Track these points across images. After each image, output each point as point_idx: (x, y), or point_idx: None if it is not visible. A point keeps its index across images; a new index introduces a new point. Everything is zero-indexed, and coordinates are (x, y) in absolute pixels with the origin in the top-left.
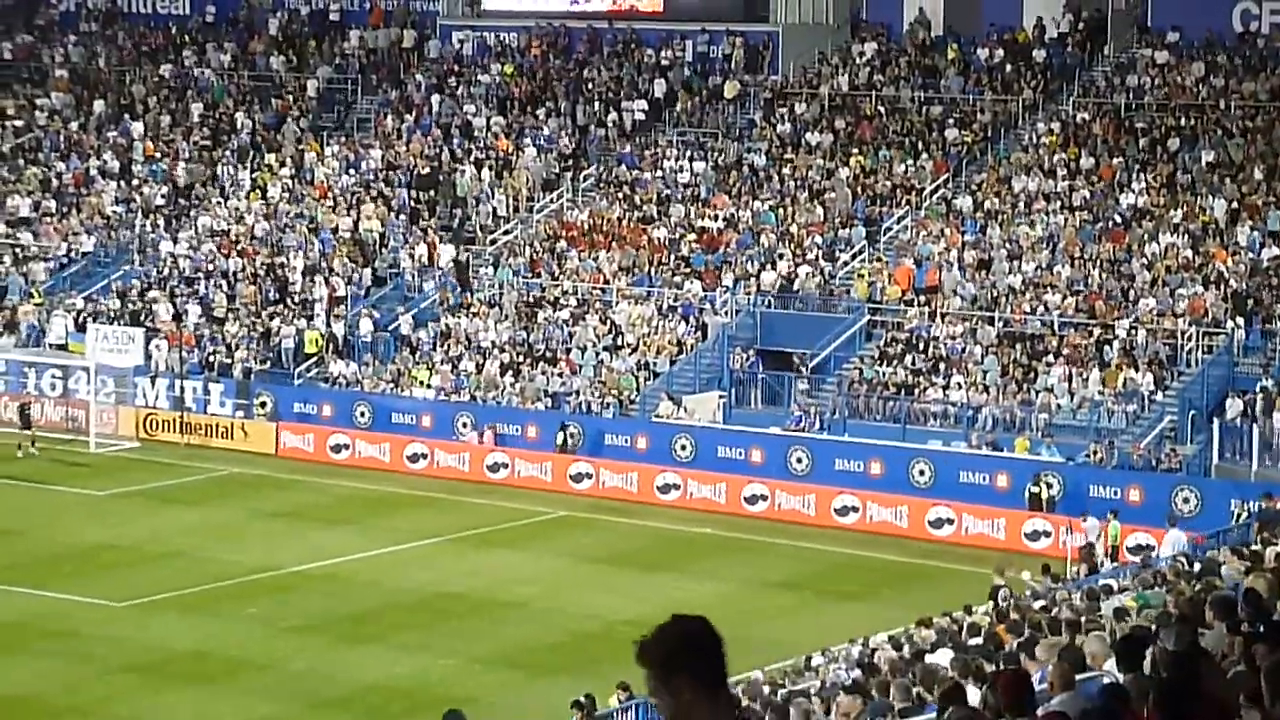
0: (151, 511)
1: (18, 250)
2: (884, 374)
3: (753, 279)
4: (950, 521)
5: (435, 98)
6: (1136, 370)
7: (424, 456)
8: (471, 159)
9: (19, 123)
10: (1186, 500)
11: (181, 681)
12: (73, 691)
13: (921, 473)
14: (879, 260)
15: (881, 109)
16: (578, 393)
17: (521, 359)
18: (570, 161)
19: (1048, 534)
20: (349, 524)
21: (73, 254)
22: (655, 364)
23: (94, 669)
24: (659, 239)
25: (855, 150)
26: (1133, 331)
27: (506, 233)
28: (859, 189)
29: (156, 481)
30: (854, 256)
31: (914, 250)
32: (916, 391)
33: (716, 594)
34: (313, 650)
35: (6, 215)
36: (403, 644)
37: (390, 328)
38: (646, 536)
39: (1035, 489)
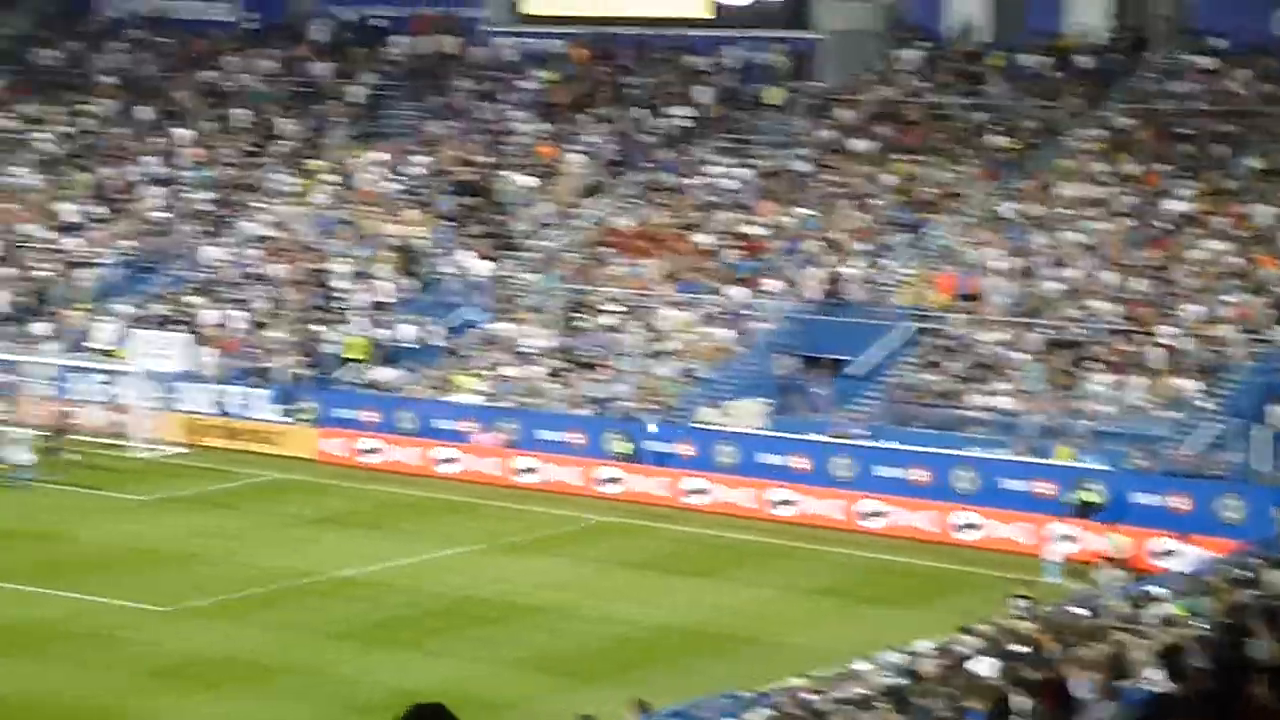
0: (193, 516)
1: (65, 255)
2: (927, 381)
3: (796, 285)
4: (988, 528)
5: (479, 104)
6: (1181, 377)
7: (462, 462)
8: (515, 165)
9: (67, 129)
10: (1231, 508)
11: (219, 686)
12: (110, 694)
13: (962, 479)
14: (922, 267)
15: (926, 115)
16: (619, 399)
17: (564, 365)
18: (614, 168)
19: (1085, 541)
20: (388, 529)
21: (118, 259)
22: (698, 370)
23: (133, 672)
24: (702, 245)
25: (899, 156)
26: (1178, 338)
27: (550, 239)
28: (903, 195)
29: (199, 486)
30: (897, 263)
31: (958, 257)
32: (959, 398)
33: (754, 600)
34: (350, 655)
35: (55, 221)
36: (438, 649)
37: (433, 333)
38: (683, 542)
39: (1078, 496)
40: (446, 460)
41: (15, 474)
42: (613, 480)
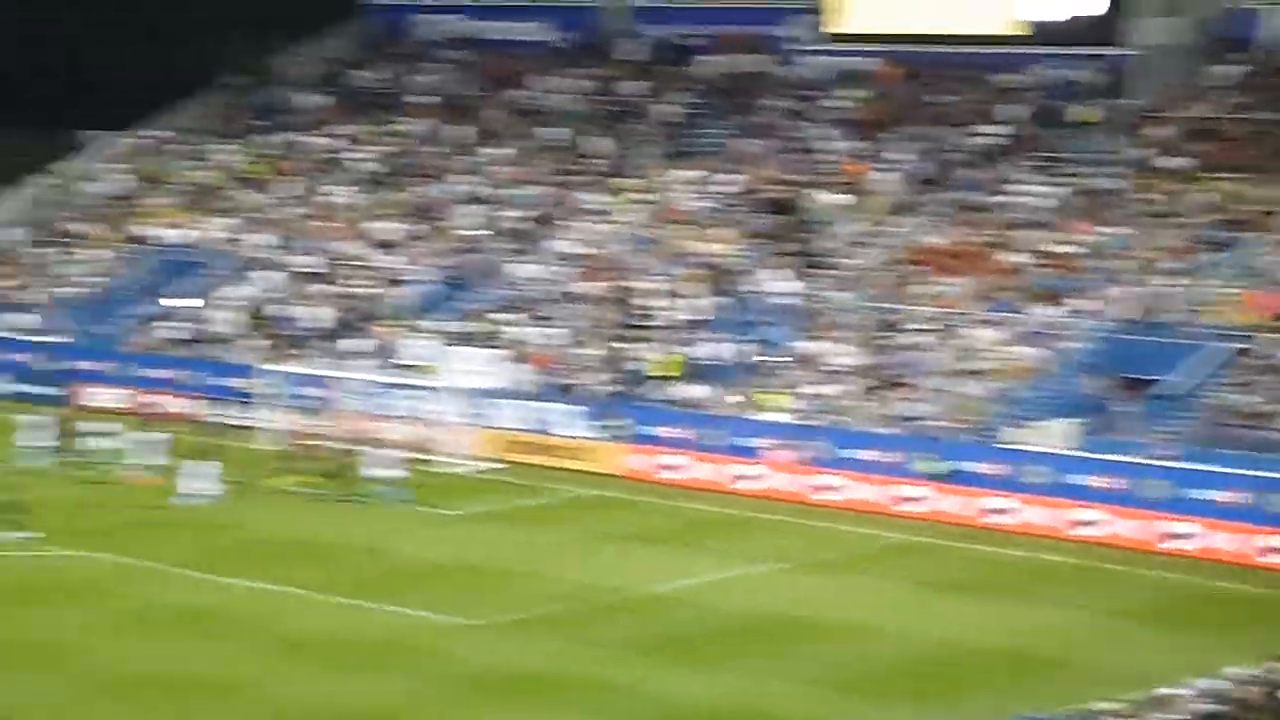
0: (504, 531)
1: (382, 273)
2: (1241, 402)
3: (1106, 304)
4: None
5: (788, 123)
6: None
7: (764, 479)
8: (824, 184)
9: (384, 149)
10: None
11: (532, 700)
12: (425, 709)
13: (1276, 503)
14: (1236, 286)
15: (1241, 132)
16: (927, 418)
17: (872, 384)
18: (923, 186)
19: None
20: (692, 546)
21: (433, 277)
22: (1006, 389)
23: (447, 687)
24: (1012, 263)
25: (1213, 174)
26: None
27: (858, 257)
28: (1216, 213)
29: (510, 502)
30: (1210, 282)
31: (1273, 275)
32: (1275, 420)
33: (1059, 621)
34: (656, 672)
35: (372, 239)
36: (740, 667)
37: (740, 351)
38: (987, 563)
39: None
40: (749, 477)
41: (388, 491)
42: (916, 499)
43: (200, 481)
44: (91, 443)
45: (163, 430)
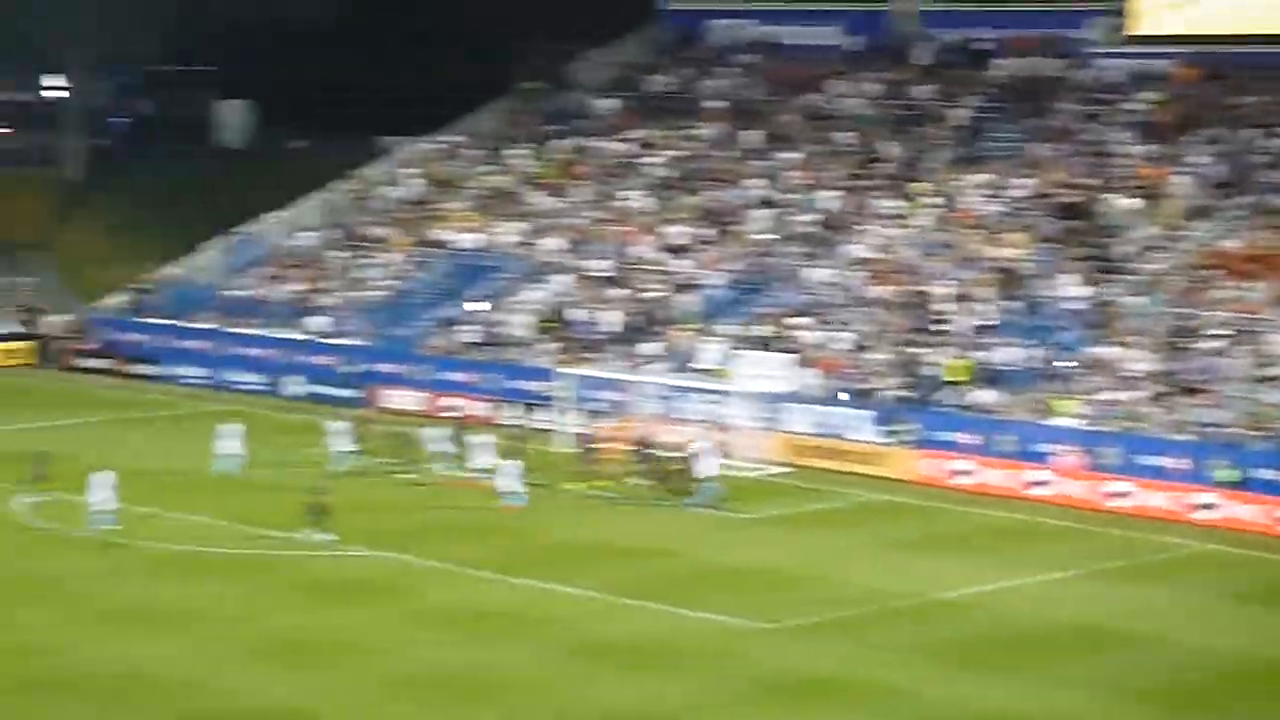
0: (795, 535)
1: (673, 277)
2: None
3: None
4: None
5: (1082, 126)
6: None
7: (1054, 485)
8: (1118, 188)
9: (676, 153)
10: None
11: (819, 705)
12: (715, 711)
13: None
14: None
15: None
16: (1223, 425)
17: (1167, 390)
18: (1221, 189)
19: None
20: (985, 552)
21: (724, 281)
22: None
23: (737, 689)
24: None
25: None
26: None
27: (1153, 262)
28: None
29: (802, 506)
30: None
31: None
32: None
33: None
34: (942, 678)
35: (664, 243)
36: (1029, 675)
37: (1033, 356)
38: None
39: None
40: (1039, 483)
41: (711, 490)
42: (1209, 506)
43: (514, 483)
44: (431, 446)
45: (471, 433)
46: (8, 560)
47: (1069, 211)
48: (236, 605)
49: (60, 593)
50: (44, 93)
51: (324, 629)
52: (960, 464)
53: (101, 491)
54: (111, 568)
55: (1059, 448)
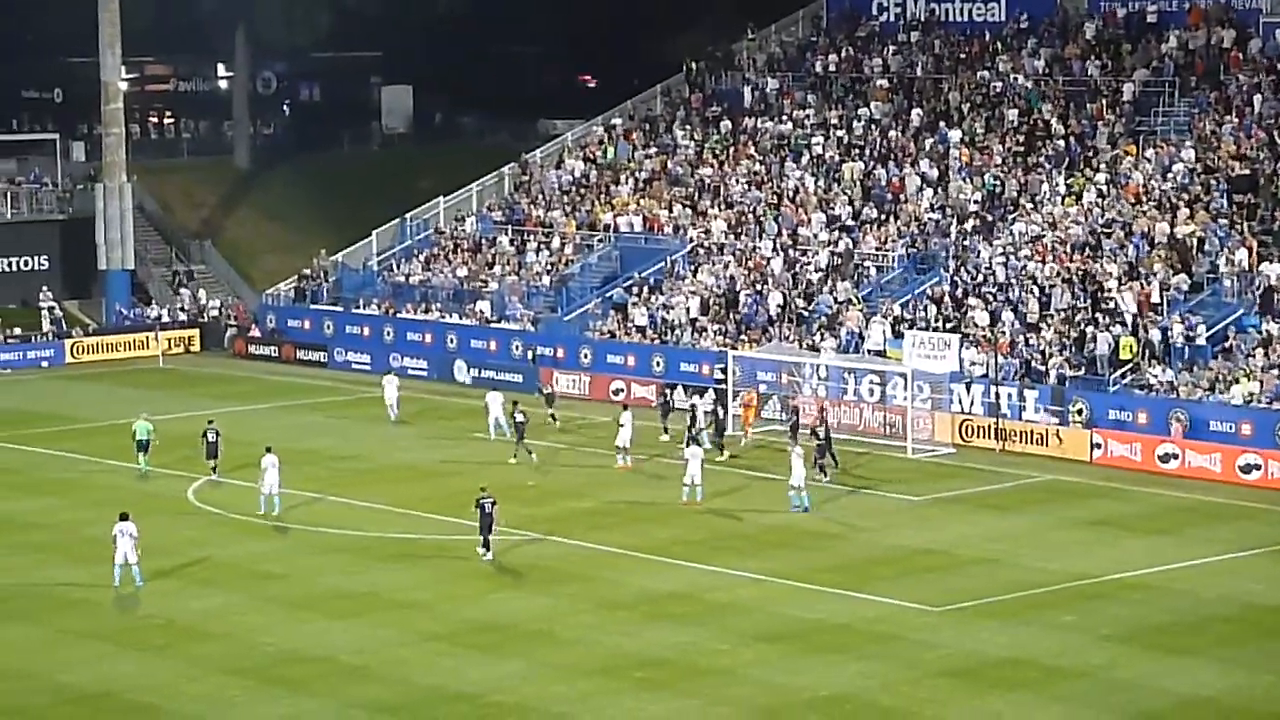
0: (966, 517)
1: (839, 256)
2: None
3: None
4: None
5: (1256, 98)
6: None
7: (1257, 468)
8: None
9: (841, 132)
10: None
11: (997, 687)
12: (892, 693)
13: None
14: None
15: None
16: None
17: None
18: None
19: None
20: (1164, 533)
21: (892, 260)
22: None
23: (914, 672)
24: None
25: None
26: None
27: None
28: None
29: (971, 487)
30: None
31: None
32: None
33: None
34: (1129, 660)
35: (830, 221)
36: (1223, 656)
37: (1205, 333)
38: None
39: None
40: (1244, 468)
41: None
42: None
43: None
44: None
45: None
46: (187, 544)
47: (1242, 185)
48: (428, 590)
49: (240, 575)
50: (209, 83)
51: (512, 614)
52: (1137, 444)
53: (272, 475)
54: (286, 550)
55: (1240, 426)
